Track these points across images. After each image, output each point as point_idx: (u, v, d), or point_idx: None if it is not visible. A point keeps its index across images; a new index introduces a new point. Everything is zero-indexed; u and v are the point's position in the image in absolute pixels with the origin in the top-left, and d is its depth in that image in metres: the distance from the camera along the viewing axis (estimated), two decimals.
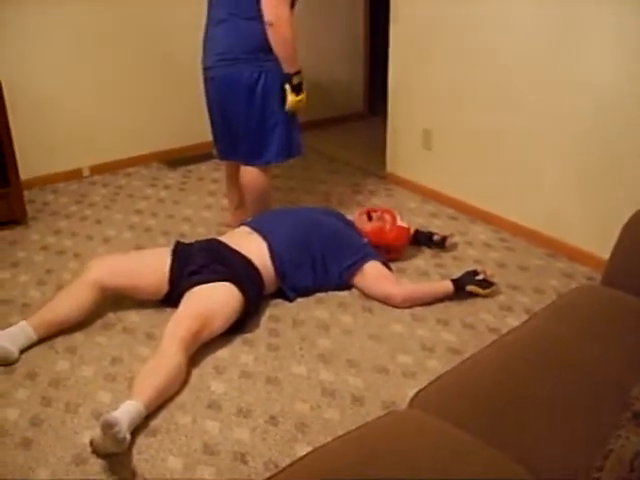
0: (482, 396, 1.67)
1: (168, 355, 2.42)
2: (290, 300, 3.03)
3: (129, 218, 3.93)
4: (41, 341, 2.70)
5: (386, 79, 4.27)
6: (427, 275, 3.30)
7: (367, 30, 5.60)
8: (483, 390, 1.68)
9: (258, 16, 3.01)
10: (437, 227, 3.72)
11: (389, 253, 3.30)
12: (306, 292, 3.07)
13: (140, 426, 2.25)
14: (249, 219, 3.27)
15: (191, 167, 4.70)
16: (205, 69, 3.31)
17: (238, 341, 2.76)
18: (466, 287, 3.02)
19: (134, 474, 2.12)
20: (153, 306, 2.94)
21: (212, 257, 2.85)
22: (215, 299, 2.68)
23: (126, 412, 2.17)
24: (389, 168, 4.43)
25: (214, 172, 4.57)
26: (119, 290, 2.86)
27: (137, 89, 4.60)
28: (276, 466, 2.14)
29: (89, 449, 2.17)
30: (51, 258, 3.46)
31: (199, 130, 4.42)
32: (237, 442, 2.24)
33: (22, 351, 2.65)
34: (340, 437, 1.46)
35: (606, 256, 2.29)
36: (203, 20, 3.26)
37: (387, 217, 3.35)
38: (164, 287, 2.84)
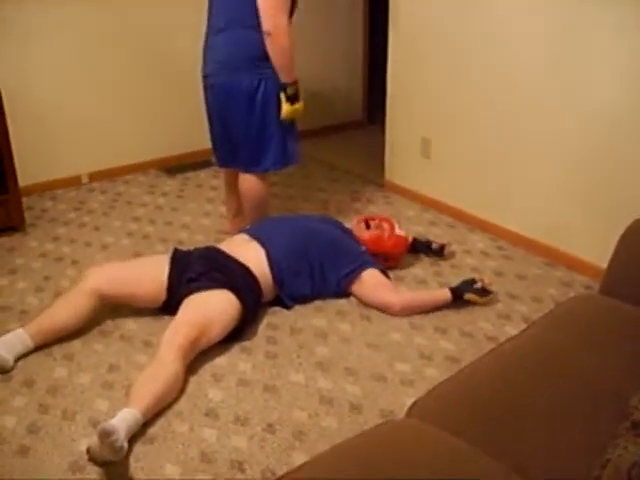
0: (480, 405, 1.67)
1: (166, 363, 2.42)
2: (288, 308, 3.03)
3: (127, 225, 3.93)
4: (39, 348, 2.70)
5: (385, 87, 4.28)
6: (425, 283, 3.30)
7: (366, 38, 5.62)
8: (481, 399, 1.68)
9: (257, 25, 3.02)
10: (435, 235, 3.72)
11: (387, 261, 3.30)
12: (304, 300, 3.07)
13: (137, 434, 2.24)
14: (247, 226, 3.27)
15: (189, 174, 4.70)
16: (205, 77, 3.32)
17: (236, 349, 2.76)
18: (464, 295, 3.02)
19: None
20: (151, 314, 2.94)
21: (210, 265, 2.85)
22: (213, 307, 2.68)
23: (123, 420, 2.16)
24: (388, 176, 4.43)
25: (213, 179, 4.58)
26: (117, 298, 2.86)
27: (136, 97, 4.61)
28: (273, 474, 2.14)
29: (86, 457, 2.16)
30: (49, 265, 3.45)
31: (198, 137, 4.44)
32: (234, 450, 2.24)
33: (19, 358, 2.64)
34: (338, 445, 1.46)
35: (604, 265, 2.30)
36: (203, 28, 3.27)
37: (385, 225, 3.35)
38: (162, 295, 2.84)
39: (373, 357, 2.73)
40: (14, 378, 2.57)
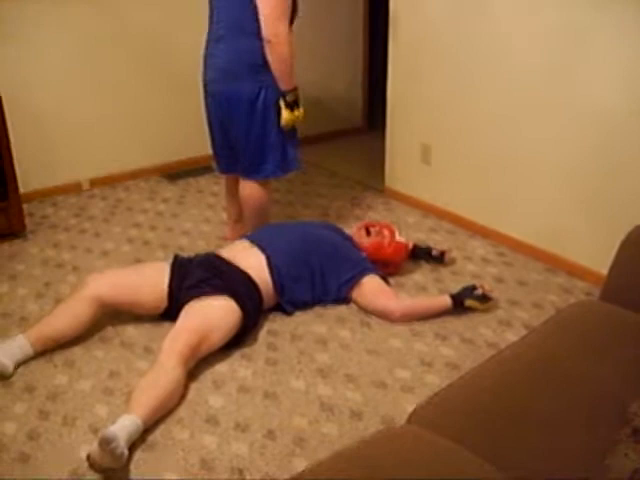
0: (480, 411, 1.66)
1: (166, 369, 2.42)
2: (288, 314, 3.03)
3: (128, 231, 3.93)
4: (39, 354, 2.70)
5: (385, 93, 4.29)
6: (425, 290, 3.30)
7: (366, 44, 5.63)
8: (482, 405, 1.68)
9: (257, 32, 3.02)
10: (436, 242, 3.73)
11: (387, 268, 3.30)
12: (304, 306, 3.07)
13: (137, 441, 2.24)
14: (248, 233, 3.28)
15: (190, 180, 4.71)
16: (206, 84, 3.33)
17: (236, 355, 2.76)
18: (465, 302, 3.02)
19: None
20: (151, 320, 2.94)
21: (211, 272, 2.85)
22: (213, 314, 2.68)
23: (124, 427, 2.16)
24: (388, 183, 4.44)
25: (213, 185, 4.58)
26: (118, 306, 2.86)
27: (136, 103, 4.62)
28: None
29: (86, 464, 2.16)
30: (50, 271, 3.46)
31: (198, 143, 4.45)
32: (235, 457, 2.24)
33: (19, 365, 2.64)
34: (338, 452, 1.46)
35: (605, 271, 2.30)
36: (204, 35, 3.28)
37: (385, 232, 3.35)
38: (163, 303, 2.84)
39: (373, 364, 2.73)
40: (15, 384, 2.57)
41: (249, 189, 3.38)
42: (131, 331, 2.92)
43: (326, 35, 5.33)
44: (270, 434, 2.33)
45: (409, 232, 3.78)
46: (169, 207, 4.28)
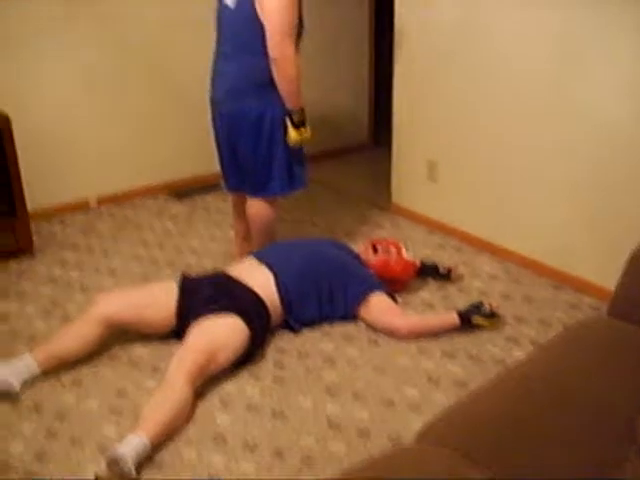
0: (488, 429, 1.66)
1: (174, 388, 2.42)
2: (296, 332, 3.03)
3: (135, 249, 3.94)
4: (46, 373, 2.70)
5: (391, 110, 4.30)
6: (432, 307, 3.29)
7: (372, 60, 5.65)
8: (489, 423, 1.68)
9: (264, 51, 3.04)
10: (442, 259, 3.72)
11: (394, 285, 3.30)
12: (312, 323, 3.07)
13: (145, 460, 2.24)
14: (256, 250, 3.28)
15: (197, 198, 4.72)
16: (213, 103, 3.35)
17: (244, 373, 2.76)
18: (472, 319, 3.01)
19: None
20: (159, 338, 2.94)
21: (218, 290, 2.86)
22: (221, 332, 2.68)
23: (132, 446, 2.16)
24: (394, 199, 4.44)
25: (221, 203, 4.59)
26: (126, 325, 2.86)
27: (144, 120, 4.64)
28: None
29: None
30: (57, 289, 3.47)
31: (206, 161, 4.46)
32: (243, 476, 2.23)
33: (26, 384, 2.64)
34: (346, 471, 1.45)
35: (612, 287, 2.29)
36: (211, 53, 3.30)
37: (392, 249, 3.35)
38: (171, 322, 2.85)
39: (381, 382, 2.72)
40: (23, 403, 2.58)
41: (256, 207, 3.40)
42: (139, 350, 2.92)
43: (331, 51, 5.35)
44: (278, 453, 2.33)
45: (416, 249, 3.78)
46: (177, 225, 4.30)
